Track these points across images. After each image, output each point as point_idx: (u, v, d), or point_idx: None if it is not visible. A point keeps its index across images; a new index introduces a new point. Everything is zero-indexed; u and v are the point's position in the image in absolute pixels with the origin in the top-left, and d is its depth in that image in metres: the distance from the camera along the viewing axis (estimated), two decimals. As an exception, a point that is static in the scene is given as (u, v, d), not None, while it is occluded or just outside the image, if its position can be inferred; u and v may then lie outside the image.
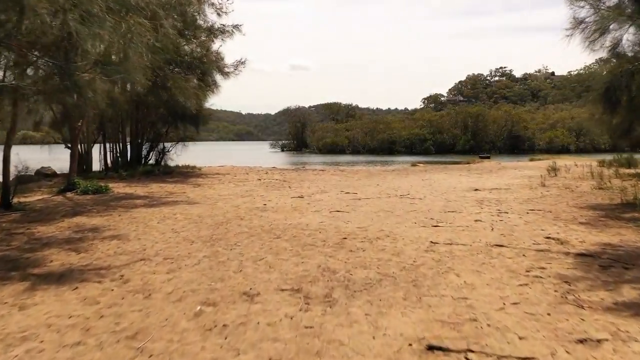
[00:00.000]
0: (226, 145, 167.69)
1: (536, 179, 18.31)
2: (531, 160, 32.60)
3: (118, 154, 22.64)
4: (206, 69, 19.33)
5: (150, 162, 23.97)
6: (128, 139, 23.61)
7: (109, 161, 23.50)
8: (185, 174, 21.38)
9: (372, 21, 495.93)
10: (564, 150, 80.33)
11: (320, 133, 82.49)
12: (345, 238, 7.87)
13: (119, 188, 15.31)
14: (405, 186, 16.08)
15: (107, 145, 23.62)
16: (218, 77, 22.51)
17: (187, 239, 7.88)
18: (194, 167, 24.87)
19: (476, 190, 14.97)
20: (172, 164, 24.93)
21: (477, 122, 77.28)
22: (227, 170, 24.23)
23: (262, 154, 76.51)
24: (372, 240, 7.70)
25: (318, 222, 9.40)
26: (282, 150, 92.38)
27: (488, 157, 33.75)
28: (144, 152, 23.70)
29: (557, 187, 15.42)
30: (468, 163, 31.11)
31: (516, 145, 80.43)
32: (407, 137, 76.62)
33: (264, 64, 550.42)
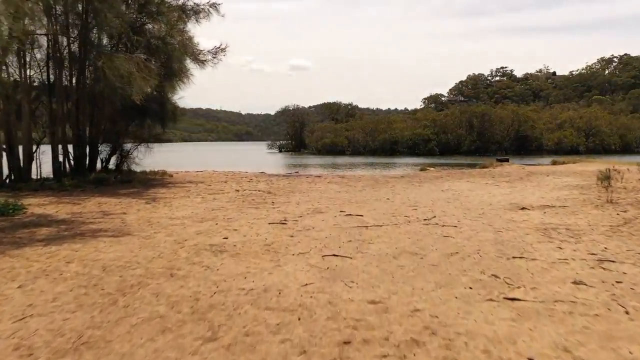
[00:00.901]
0: (223, 146, 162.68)
1: (588, 189, 14.28)
2: (554, 163, 28.49)
3: (66, 158, 18.36)
4: (171, 53, 15.15)
5: (112, 167, 19.84)
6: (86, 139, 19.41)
7: (65, 166, 19.31)
8: (149, 182, 17.21)
9: (372, 21, 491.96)
10: (573, 151, 76.20)
11: (319, 133, 78.42)
12: (347, 342, 3.86)
13: (41, 206, 11.26)
14: (425, 201, 12.07)
15: (60, 147, 19.44)
16: (191, 65, 18.49)
17: (20, 346, 3.88)
18: (163, 174, 20.56)
19: (523, 209, 10.93)
20: (141, 168, 20.78)
21: (483, 121, 73.15)
22: (204, 176, 20.01)
23: (257, 156, 72.46)
24: (403, 347, 3.68)
25: (299, 285, 5.31)
26: (280, 151, 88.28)
27: (507, 160, 29.58)
28: (103, 155, 19.50)
29: (632, 203, 11.37)
30: (485, 167, 27.01)
31: (523, 145, 76.30)
32: (409, 138, 72.52)
33: (263, 64, 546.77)
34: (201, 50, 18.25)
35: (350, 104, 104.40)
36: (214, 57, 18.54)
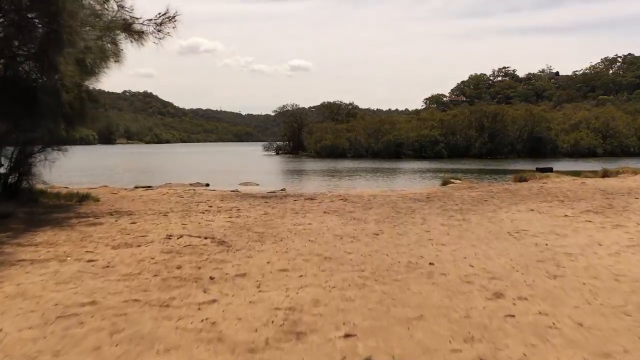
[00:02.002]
0: (219, 147, 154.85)
1: None
2: (606, 174, 22.38)
3: None
4: (55, 12, 8.86)
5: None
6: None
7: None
8: (49, 213, 11.09)
9: (373, 22, 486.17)
10: (590, 153, 70.10)
11: (319, 134, 72.38)
12: None
13: None
14: (503, 270, 6.10)
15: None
16: (123, 40, 12.50)
17: None
18: (83, 198, 13.82)
19: None
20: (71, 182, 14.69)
21: (495, 122, 67.12)
22: (147, 200, 13.59)
23: (250, 159, 66.15)
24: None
25: None
26: (277, 154, 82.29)
27: (550, 170, 23.25)
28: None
29: None
30: (525, 179, 20.95)
31: (537, 148, 70.25)
32: (415, 139, 66.53)
33: (263, 65, 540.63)
34: (135, 18, 12.27)
35: (351, 104, 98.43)
36: (158, 28, 12.56)
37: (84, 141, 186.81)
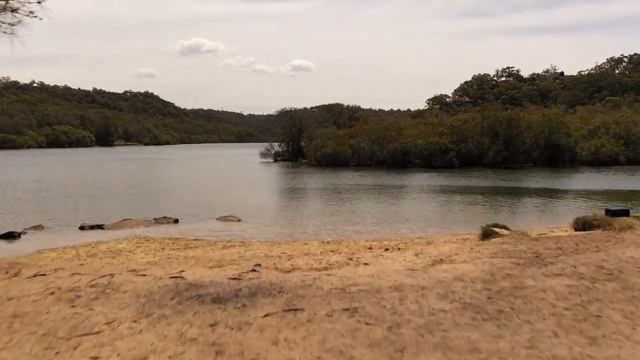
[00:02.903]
0: (215, 149, 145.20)
1: None
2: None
3: None
4: None
5: None
6: None
7: None
8: None
9: (374, 22, 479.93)
10: (612, 161, 64.29)
11: (319, 141, 66.57)
12: None
13: None
14: None
15: None
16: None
17: None
18: None
19: None
20: None
21: (510, 128, 61.25)
22: (60, 274, 8.10)
23: (245, 169, 60.03)
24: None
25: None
26: (275, 161, 76.62)
27: (626, 213, 17.03)
28: None
29: None
30: (591, 224, 15.30)
31: (555, 156, 64.34)
32: (424, 146, 60.72)
33: (265, 65, 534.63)
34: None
35: (354, 106, 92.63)
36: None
37: (81, 143, 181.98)
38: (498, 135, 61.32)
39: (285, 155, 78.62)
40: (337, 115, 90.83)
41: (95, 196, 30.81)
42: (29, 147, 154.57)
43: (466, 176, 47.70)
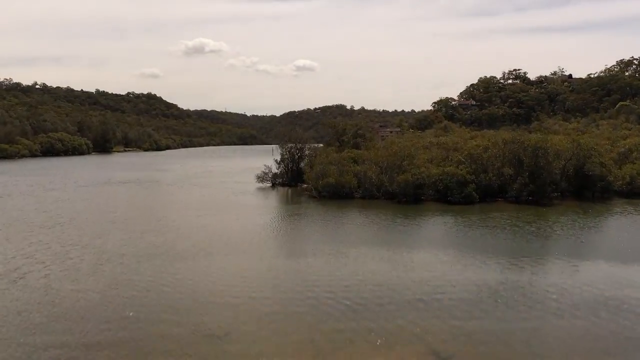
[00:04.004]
0: (211, 160, 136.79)
1: None
2: None
3: None
4: None
5: None
6: None
7: None
8: None
9: (378, 22, 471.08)
10: (650, 192, 56.80)
11: (321, 168, 59.02)
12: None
13: None
14: None
15: None
16: None
17: None
18: None
19: None
20: None
21: (537, 157, 53.55)
22: None
23: (238, 199, 52.17)
24: None
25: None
26: (273, 186, 69.15)
27: None
28: None
29: None
30: None
31: (585, 186, 56.69)
32: (438, 177, 53.10)
33: (269, 65, 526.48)
34: None
35: (358, 126, 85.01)
36: None
37: (77, 151, 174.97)
38: (523, 165, 53.70)
39: (284, 176, 71.20)
40: (340, 133, 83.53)
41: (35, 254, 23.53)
42: (22, 156, 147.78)
43: (489, 216, 39.54)
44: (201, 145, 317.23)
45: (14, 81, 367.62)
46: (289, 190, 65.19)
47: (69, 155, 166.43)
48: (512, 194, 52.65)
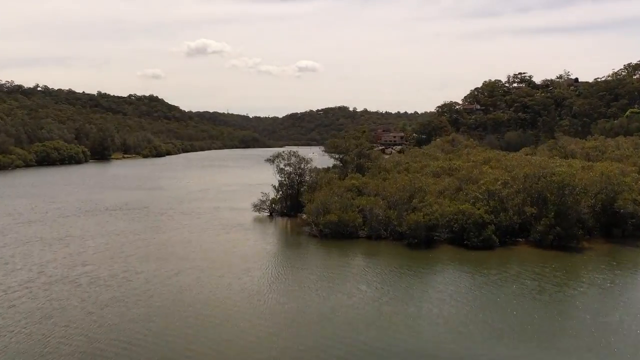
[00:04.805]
0: (217, 168, 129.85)
1: None
2: None
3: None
4: None
5: None
6: None
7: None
8: None
9: (381, 22, 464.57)
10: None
11: (322, 200, 53.08)
12: None
13: None
14: None
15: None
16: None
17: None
18: None
19: None
20: None
21: (563, 196, 47.49)
22: None
23: (230, 235, 46.15)
24: None
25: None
26: (271, 215, 63.34)
27: None
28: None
29: None
30: None
31: (614, 223, 50.79)
32: (453, 217, 47.15)
33: (271, 66, 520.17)
34: None
35: (361, 144, 79.10)
36: None
37: (74, 159, 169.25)
38: (547, 203, 47.68)
39: (283, 202, 65.35)
40: (344, 151, 77.72)
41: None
42: (17, 166, 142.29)
43: (511, 261, 33.53)
44: (202, 149, 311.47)
45: (16, 83, 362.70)
46: (288, 223, 59.36)
47: (66, 164, 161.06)
48: (535, 237, 46.67)
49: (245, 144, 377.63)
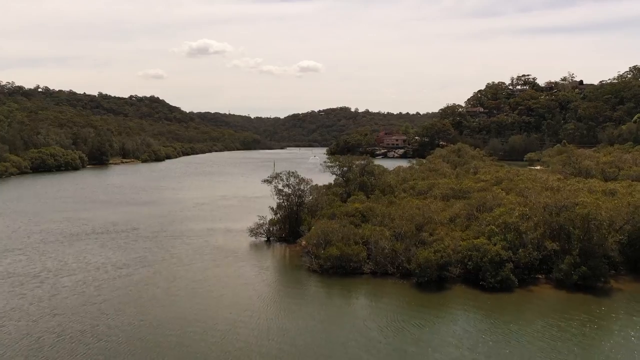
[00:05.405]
0: (216, 175, 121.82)
1: None
2: None
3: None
4: None
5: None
6: None
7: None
8: None
9: (383, 22, 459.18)
10: None
11: (322, 227, 48.34)
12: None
13: None
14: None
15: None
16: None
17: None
18: None
19: None
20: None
21: (588, 229, 42.59)
22: None
23: (222, 259, 39.95)
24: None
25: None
26: (268, 240, 58.63)
27: None
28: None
29: None
30: None
31: (641, 257, 45.97)
32: (467, 252, 42.34)
33: (273, 66, 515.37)
34: None
35: (367, 159, 74.25)
36: None
37: (71, 166, 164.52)
38: (571, 238, 42.81)
39: (281, 223, 60.64)
40: (348, 168, 72.94)
41: None
42: (10, 174, 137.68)
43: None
44: (203, 151, 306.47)
45: (17, 84, 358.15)
46: (287, 252, 54.62)
47: (62, 170, 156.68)
48: (559, 276, 41.79)
49: (247, 146, 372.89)
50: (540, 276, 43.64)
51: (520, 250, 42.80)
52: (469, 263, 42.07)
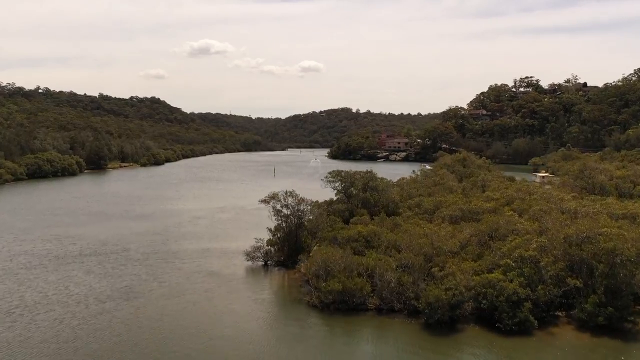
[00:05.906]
0: (215, 181, 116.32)
1: None
2: None
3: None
4: None
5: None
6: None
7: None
8: None
9: (384, 23, 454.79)
10: None
11: (323, 256, 44.43)
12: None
13: None
14: None
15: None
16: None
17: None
18: None
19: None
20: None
21: (614, 264, 38.62)
22: None
23: (215, 289, 35.78)
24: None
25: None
26: (266, 264, 54.79)
27: None
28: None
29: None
30: None
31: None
32: (481, 289, 38.41)
33: (274, 66, 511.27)
34: None
35: (370, 172, 70.26)
36: None
37: (67, 171, 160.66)
38: (594, 274, 38.86)
39: (279, 244, 56.80)
40: (349, 184, 69.07)
41: None
42: (5, 181, 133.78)
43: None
44: (203, 154, 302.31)
45: (17, 85, 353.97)
46: (285, 279, 50.73)
47: (58, 176, 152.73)
48: (581, 317, 37.82)
49: (247, 147, 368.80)
50: (560, 313, 39.74)
51: (539, 287, 38.82)
52: (484, 302, 38.12)
